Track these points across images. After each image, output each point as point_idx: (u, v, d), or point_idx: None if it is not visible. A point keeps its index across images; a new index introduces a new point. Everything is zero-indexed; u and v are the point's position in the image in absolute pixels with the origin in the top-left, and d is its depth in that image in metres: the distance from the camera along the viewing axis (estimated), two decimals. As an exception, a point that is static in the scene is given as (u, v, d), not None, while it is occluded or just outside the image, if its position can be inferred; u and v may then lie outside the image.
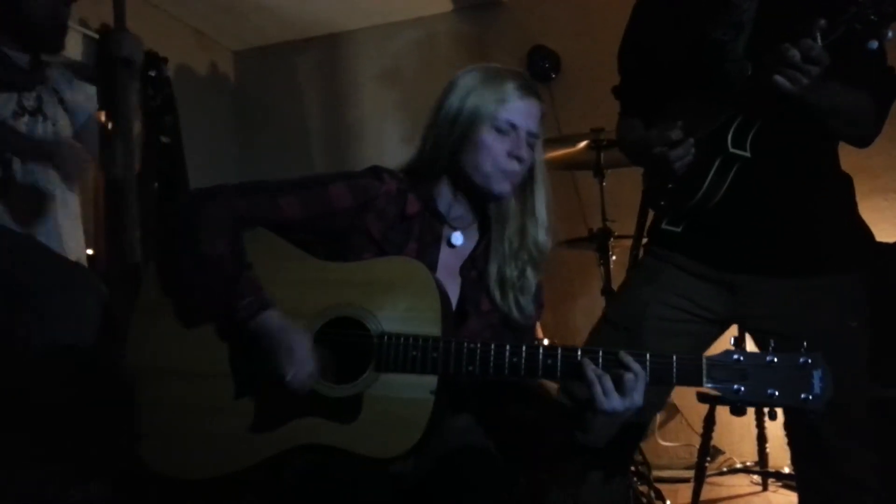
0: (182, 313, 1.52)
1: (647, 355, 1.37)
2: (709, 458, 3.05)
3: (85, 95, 2.38)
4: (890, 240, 2.63)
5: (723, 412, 3.10)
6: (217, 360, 1.48)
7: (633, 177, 2.06)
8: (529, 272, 1.63)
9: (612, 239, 3.18)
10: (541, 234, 1.63)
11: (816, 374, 1.32)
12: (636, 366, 1.36)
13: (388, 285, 1.47)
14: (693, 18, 1.80)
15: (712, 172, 1.71)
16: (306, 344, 1.42)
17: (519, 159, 1.55)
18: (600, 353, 1.38)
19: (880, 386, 1.85)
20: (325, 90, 4.74)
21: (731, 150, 1.67)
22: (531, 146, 1.59)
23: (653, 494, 2.98)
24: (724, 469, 3.54)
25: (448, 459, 1.48)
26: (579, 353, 1.39)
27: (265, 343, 1.42)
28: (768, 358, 1.34)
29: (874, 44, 1.44)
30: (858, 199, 1.84)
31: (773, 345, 1.35)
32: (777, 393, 1.32)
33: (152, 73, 3.73)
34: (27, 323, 1.87)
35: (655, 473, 3.27)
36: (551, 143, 3.30)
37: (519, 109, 1.56)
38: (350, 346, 1.46)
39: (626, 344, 1.79)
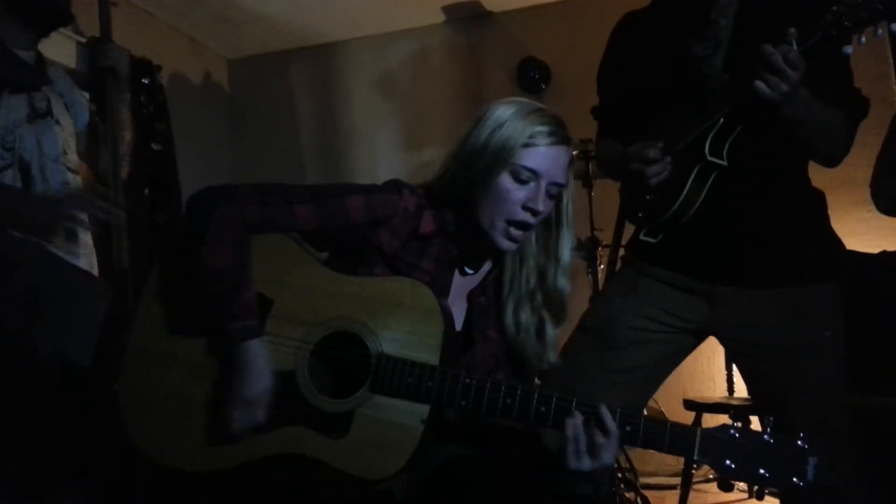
0: (184, 306, 1.52)
1: (642, 420, 1.35)
2: (695, 466, 3.08)
3: (83, 98, 2.40)
4: (873, 250, 2.67)
5: (709, 420, 3.13)
6: (216, 357, 1.48)
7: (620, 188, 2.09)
8: (548, 322, 1.58)
9: (600, 248, 3.22)
10: (560, 280, 1.56)
11: (812, 460, 1.28)
12: (610, 425, 1.33)
13: (394, 306, 1.45)
14: (672, 36, 1.82)
15: (690, 181, 1.72)
16: (265, 394, 1.41)
17: (534, 212, 1.46)
18: (574, 402, 1.36)
19: (858, 395, 1.86)
20: (318, 99, 4.77)
21: (709, 158, 1.69)
22: (552, 196, 1.49)
23: (640, 501, 3.01)
24: (711, 476, 3.55)
25: (437, 481, 1.48)
26: (574, 404, 1.36)
27: (236, 370, 1.42)
28: (765, 437, 1.31)
29: (848, 49, 1.48)
30: (843, 210, 1.88)
31: (770, 424, 1.33)
32: (768, 474, 1.29)
33: (145, 81, 3.76)
34: (37, 327, 1.88)
35: (642, 480, 3.30)
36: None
37: (544, 156, 1.46)
38: (349, 361, 1.45)
39: (598, 352, 1.80)
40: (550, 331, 1.58)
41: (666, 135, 1.77)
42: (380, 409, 1.41)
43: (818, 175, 1.88)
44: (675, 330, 1.83)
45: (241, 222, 1.46)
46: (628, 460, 3.24)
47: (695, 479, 3.11)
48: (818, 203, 1.85)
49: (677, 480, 3.12)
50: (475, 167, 1.47)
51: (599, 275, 3.26)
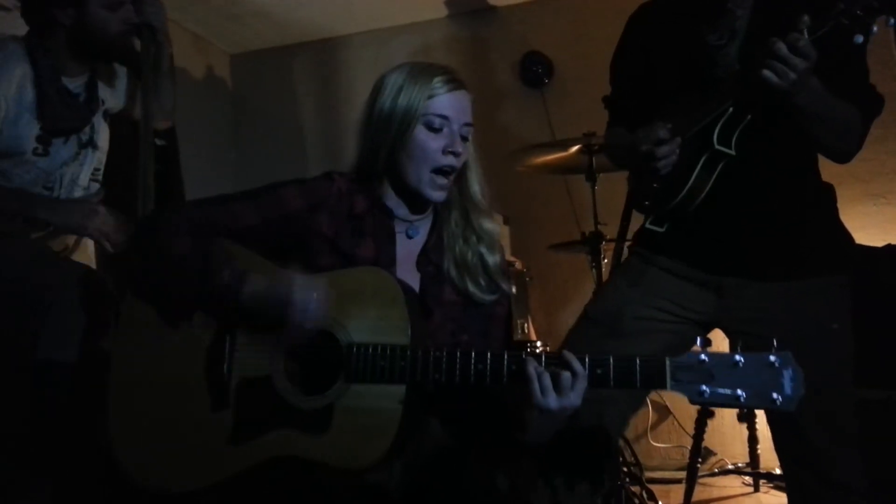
0: (162, 326, 1.53)
1: (611, 359, 1.36)
2: (700, 460, 3.07)
3: (124, 79, 2.40)
4: (878, 244, 2.66)
5: (717, 414, 3.13)
6: (193, 374, 1.50)
7: (625, 181, 2.09)
8: (485, 251, 1.65)
9: (603, 242, 3.21)
10: (486, 223, 1.66)
11: (787, 373, 1.26)
12: (577, 366, 1.35)
13: (356, 296, 1.47)
14: (688, 25, 1.81)
15: (697, 169, 1.72)
16: (298, 278, 1.43)
17: (455, 154, 1.56)
18: (544, 356, 1.38)
19: (864, 387, 1.86)
20: (320, 94, 4.76)
21: (717, 146, 1.69)
22: (465, 138, 1.59)
23: (645, 495, 3.00)
24: (716, 470, 3.56)
25: (430, 466, 1.50)
26: (543, 356, 1.39)
27: (269, 302, 1.43)
28: (735, 358, 1.29)
29: (860, 38, 1.47)
30: (848, 204, 1.87)
31: (740, 345, 1.32)
32: (745, 394, 1.27)
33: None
34: (36, 323, 1.89)
35: (647, 474, 3.30)
36: (544, 147, 3.33)
37: (449, 102, 1.57)
38: (321, 357, 1.47)
39: (603, 340, 1.81)
40: (491, 259, 1.65)
41: (675, 119, 1.77)
42: (358, 397, 1.43)
43: (822, 169, 1.88)
44: (681, 320, 1.84)
45: (185, 220, 1.51)
46: (633, 454, 3.24)
47: (700, 473, 3.11)
48: (827, 196, 1.84)
49: (682, 475, 3.12)
50: (390, 132, 1.57)
51: (603, 269, 3.25)
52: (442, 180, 1.57)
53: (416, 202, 1.64)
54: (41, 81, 2.10)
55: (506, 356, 1.40)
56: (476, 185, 1.65)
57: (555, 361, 1.38)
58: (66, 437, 1.90)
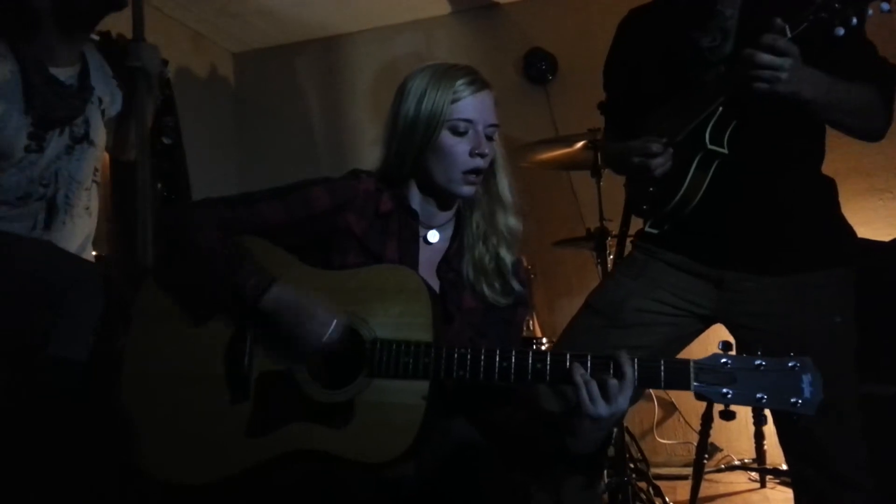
0: (182, 318, 1.54)
1: (636, 360, 1.36)
2: (707, 456, 3.08)
3: (117, 88, 2.40)
4: (883, 238, 2.65)
5: (720, 410, 3.11)
6: (213, 366, 1.50)
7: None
8: (504, 253, 1.64)
9: (609, 238, 3.20)
10: (511, 220, 1.65)
11: (806, 377, 1.30)
12: (628, 370, 1.34)
13: (380, 292, 1.48)
14: (677, 30, 1.82)
15: (692, 171, 1.73)
16: (323, 304, 1.44)
17: (482, 155, 1.56)
18: (589, 358, 1.37)
19: (871, 383, 1.86)
20: (324, 92, 4.76)
21: (709, 146, 1.70)
22: (491, 137, 1.60)
23: (651, 491, 3.00)
24: (722, 466, 3.57)
25: (447, 466, 1.49)
26: (568, 357, 1.38)
27: (286, 317, 1.44)
28: (756, 361, 1.32)
29: (840, 30, 1.48)
30: (853, 198, 1.87)
31: (761, 349, 1.34)
32: (766, 397, 1.31)
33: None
34: (46, 319, 1.89)
35: (654, 471, 3.31)
36: (548, 143, 3.33)
37: (472, 105, 1.56)
38: (343, 352, 1.47)
39: (604, 330, 1.83)
40: (508, 261, 1.65)
41: (666, 126, 1.77)
42: (380, 392, 1.43)
43: (826, 164, 1.88)
44: (682, 313, 1.84)
45: (213, 217, 1.52)
46: (640, 451, 3.24)
47: (706, 469, 3.11)
48: (827, 189, 1.84)
49: (688, 471, 3.12)
50: (415, 138, 1.57)
51: (608, 265, 3.25)
52: (472, 178, 1.58)
53: (444, 199, 1.64)
54: (27, 74, 2.06)
55: (530, 354, 1.40)
56: (505, 183, 1.65)
57: (601, 365, 1.36)
58: (74, 434, 1.91)
